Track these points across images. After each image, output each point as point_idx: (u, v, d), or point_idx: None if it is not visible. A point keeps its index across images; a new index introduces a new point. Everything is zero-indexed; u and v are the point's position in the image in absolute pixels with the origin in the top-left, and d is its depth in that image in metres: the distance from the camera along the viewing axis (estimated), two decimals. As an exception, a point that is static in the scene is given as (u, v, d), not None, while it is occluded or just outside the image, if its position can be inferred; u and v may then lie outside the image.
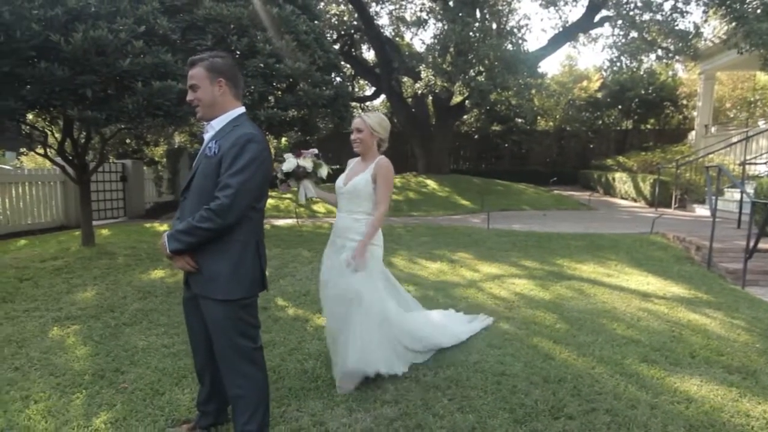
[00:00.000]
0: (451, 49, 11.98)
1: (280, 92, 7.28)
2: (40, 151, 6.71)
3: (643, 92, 19.24)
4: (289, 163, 2.88)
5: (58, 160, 6.73)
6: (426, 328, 3.39)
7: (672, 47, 12.54)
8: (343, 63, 15.22)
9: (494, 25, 13.25)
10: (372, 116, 2.94)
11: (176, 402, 2.76)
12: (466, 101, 15.08)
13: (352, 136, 2.93)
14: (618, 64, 13.54)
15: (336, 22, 16.83)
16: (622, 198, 14.14)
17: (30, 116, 6.32)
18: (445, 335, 3.47)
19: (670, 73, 20.10)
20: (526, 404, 2.71)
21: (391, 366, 2.97)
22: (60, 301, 4.53)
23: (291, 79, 6.89)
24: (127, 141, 12.10)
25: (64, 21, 4.86)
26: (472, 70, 11.75)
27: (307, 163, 2.88)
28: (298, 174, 2.87)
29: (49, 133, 6.71)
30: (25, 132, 6.68)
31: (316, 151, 2.99)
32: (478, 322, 3.86)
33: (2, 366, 3.19)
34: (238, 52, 6.46)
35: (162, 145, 14.42)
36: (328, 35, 15.15)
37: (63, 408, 2.69)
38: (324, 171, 2.96)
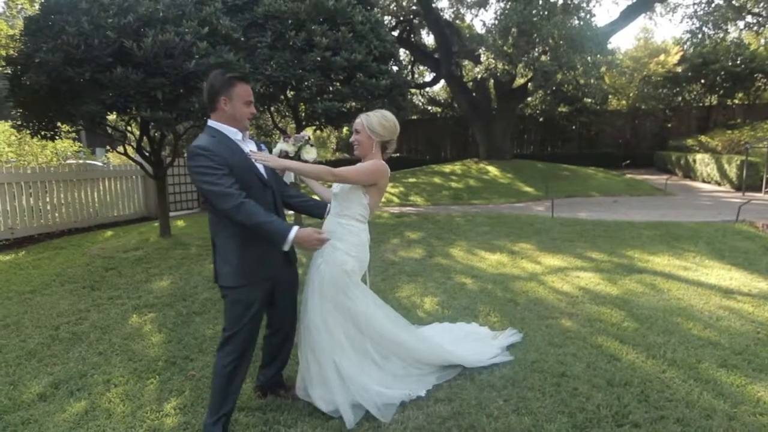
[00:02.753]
0: (513, 30, 11.50)
1: (337, 84, 7.36)
2: (121, 149, 7.25)
3: (729, 64, 17.50)
4: (276, 148, 2.84)
5: (136, 157, 7.24)
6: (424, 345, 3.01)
7: (764, 13, 11.29)
8: (402, 50, 15.11)
9: (560, 1, 12.55)
10: (372, 116, 2.65)
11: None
12: (529, 83, 14.47)
13: (351, 138, 2.73)
14: (699, 35, 12.39)
15: (394, 8, 16.69)
16: (704, 182, 13.06)
17: (111, 117, 6.83)
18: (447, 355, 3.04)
19: (762, 41, 18.13)
20: (588, 409, 2.59)
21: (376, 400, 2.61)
22: (139, 289, 4.90)
23: (347, 71, 6.93)
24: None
25: (136, 27, 5.17)
26: (534, 51, 11.24)
27: (288, 147, 2.76)
28: (282, 158, 2.70)
29: (128, 132, 7.22)
30: (108, 132, 7.25)
31: (307, 135, 2.85)
32: (503, 338, 3.40)
33: (89, 351, 3.51)
34: (296, 47, 6.58)
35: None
36: (386, 21, 15.06)
37: (138, 392, 2.92)
38: (309, 154, 2.76)
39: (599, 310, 4.02)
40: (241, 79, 2.38)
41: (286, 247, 2.29)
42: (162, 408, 2.73)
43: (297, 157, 2.74)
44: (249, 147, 2.46)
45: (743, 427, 2.42)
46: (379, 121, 2.63)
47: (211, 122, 2.41)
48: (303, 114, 7.91)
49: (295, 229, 2.28)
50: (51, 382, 3.06)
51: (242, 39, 6.28)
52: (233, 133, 2.39)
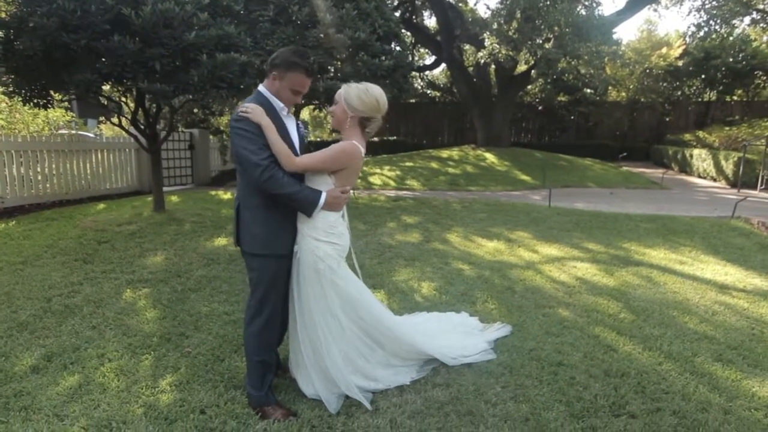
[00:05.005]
0: (518, 15, 11.33)
1: (339, 62, 7.22)
2: (115, 120, 7.09)
3: (731, 60, 17.41)
4: None
5: (131, 129, 7.09)
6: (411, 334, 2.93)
7: (771, 9, 11.21)
8: (403, 31, 14.87)
9: (566, -12, 12.36)
10: (353, 87, 2.40)
11: (234, 369, 2.87)
12: (532, 70, 14.34)
13: (329, 108, 2.52)
14: (706, 29, 12.28)
15: (397, -12, 16.36)
16: (700, 177, 13.11)
17: (106, 88, 6.66)
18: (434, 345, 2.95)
19: (765, 38, 18.05)
20: (585, 398, 2.59)
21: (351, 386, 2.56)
22: (133, 264, 4.83)
23: (351, 50, 6.80)
24: (195, 111, 12.57)
25: (135, -6, 5.00)
26: (539, 38, 11.10)
27: None
28: None
29: (123, 103, 7.06)
30: (102, 103, 7.08)
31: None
32: (491, 332, 3.33)
33: (82, 324, 3.46)
34: (299, 22, 6.43)
35: (227, 114, 14.86)
36: (389, 1, 14.77)
37: (133, 368, 2.89)
38: None
39: (596, 300, 4.02)
40: (302, 68, 2.36)
41: (316, 213, 2.38)
42: (157, 384, 2.70)
43: None
44: (290, 122, 2.50)
45: (738, 421, 2.44)
46: (358, 93, 2.37)
47: (261, 88, 2.45)
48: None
49: (323, 194, 2.37)
50: (44, 354, 3.01)
51: (243, 12, 6.12)
52: (279, 106, 2.44)
